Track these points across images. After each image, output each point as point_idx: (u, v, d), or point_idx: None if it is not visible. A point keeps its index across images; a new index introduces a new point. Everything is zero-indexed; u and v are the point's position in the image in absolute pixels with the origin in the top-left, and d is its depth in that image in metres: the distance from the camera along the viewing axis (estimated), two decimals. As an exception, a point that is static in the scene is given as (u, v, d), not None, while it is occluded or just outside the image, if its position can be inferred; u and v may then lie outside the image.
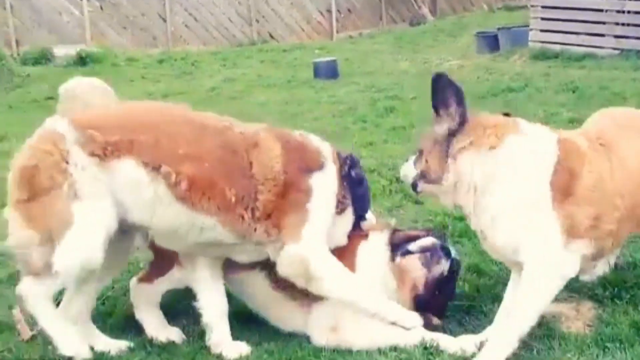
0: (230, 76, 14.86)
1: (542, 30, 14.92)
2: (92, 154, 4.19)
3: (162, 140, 4.25)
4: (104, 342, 4.56)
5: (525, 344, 4.40)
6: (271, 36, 22.37)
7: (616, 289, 4.97)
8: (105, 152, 4.19)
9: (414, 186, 4.42)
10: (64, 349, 4.25)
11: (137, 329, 4.80)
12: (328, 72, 14.26)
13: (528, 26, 15.29)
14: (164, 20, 20.77)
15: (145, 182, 4.21)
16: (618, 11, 13.66)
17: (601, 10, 13.93)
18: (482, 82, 12.66)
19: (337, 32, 23.22)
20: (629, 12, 13.50)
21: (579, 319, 4.77)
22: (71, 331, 4.34)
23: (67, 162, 4.17)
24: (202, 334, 4.67)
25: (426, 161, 4.30)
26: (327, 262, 4.40)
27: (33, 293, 4.25)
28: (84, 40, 19.06)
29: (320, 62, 14.82)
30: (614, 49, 13.64)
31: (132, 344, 4.61)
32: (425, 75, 13.83)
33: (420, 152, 4.37)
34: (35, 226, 4.17)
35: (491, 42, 15.88)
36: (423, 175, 4.33)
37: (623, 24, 13.68)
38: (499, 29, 16.14)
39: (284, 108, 11.75)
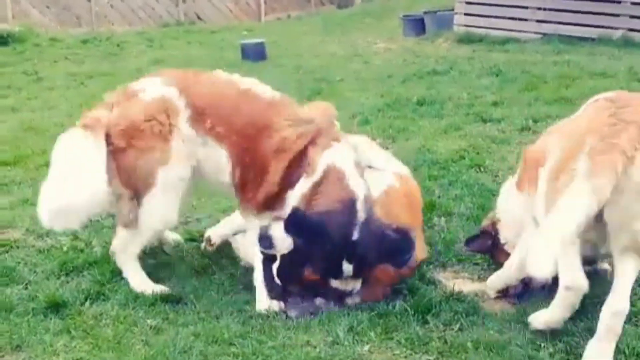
0: (156, 57, 14.65)
1: (466, 14, 15.11)
2: (197, 134, 4.89)
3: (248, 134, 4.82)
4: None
5: (448, 321, 4.51)
6: (198, 17, 22.13)
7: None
8: (208, 134, 4.87)
9: None
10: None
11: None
12: (256, 54, 14.16)
13: (453, 10, 15.46)
14: (88, 0, 20.33)
15: (224, 167, 4.90)
16: (540, -4, 13.97)
17: (524, -5, 14.21)
18: (409, 64, 12.77)
19: (265, 14, 23.11)
20: (551, -3, 13.82)
21: (500, 297, 4.90)
22: (150, 284, 5.03)
23: (171, 135, 4.84)
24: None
25: None
26: None
27: (121, 249, 5.08)
28: (6, 19, 18.51)
29: (248, 43, 14.72)
30: (536, 33, 13.92)
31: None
32: (353, 58, 14.05)
33: None
34: (126, 182, 4.87)
35: (417, 25, 16.00)
36: None
37: (545, 9, 13.98)
38: (425, 12, 16.26)
39: (211, 90, 11.57)
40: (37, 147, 8.21)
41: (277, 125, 4.78)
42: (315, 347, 4.25)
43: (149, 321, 4.63)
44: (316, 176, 4.60)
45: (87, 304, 4.86)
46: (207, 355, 4.21)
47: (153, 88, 4.99)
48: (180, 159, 4.89)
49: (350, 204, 4.52)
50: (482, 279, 5.10)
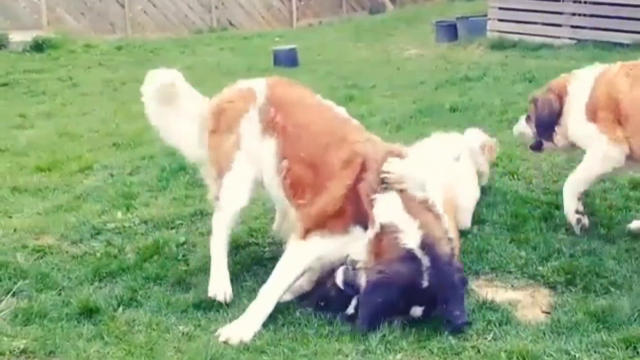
0: (189, 63, 14.69)
1: (499, 20, 15.02)
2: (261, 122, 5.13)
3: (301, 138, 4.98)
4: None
5: (482, 330, 4.47)
6: (230, 23, 22.22)
7: (571, 276, 5.06)
8: (268, 127, 5.08)
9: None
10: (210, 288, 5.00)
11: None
12: (288, 60, 14.20)
13: (486, 16, 15.38)
14: (122, 7, 20.49)
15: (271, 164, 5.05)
16: (575, 1, 13.81)
17: (558, 0, 14.07)
18: (441, 71, 12.72)
19: (297, 19, 23.15)
20: (585, 2, 13.66)
21: (534, 305, 4.86)
22: (225, 273, 5.08)
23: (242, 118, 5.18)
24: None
25: None
26: None
27: (215, 223, 5.24)
28: (41, 26, 18.73)
29: (280, 50, 14.76)
30: (571, 39, 13.79)
31: None
32: (385, 64, 14.02)
33: None
34: (213, 161, 5.27)
35: (450, 31, 15.94)
36: None
37: (580, 15, 13.83)
38: (457, 18, 16.20)
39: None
40: (72, 153, 8.30)
41: (351, 138, 4.87)
42: (347, 356, 4.23)
43: (181, 327, 4.65)
44: (376, 229, 4.56)
45: (120, 310, 4.89)
46: (238, 362, 4.21)
47: (249, 82, 5.42)
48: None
49: (409, 258, 4.45)
50: (515, 287, 5.06)
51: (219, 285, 4.97)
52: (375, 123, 8.58)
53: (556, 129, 5.91)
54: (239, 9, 22.42)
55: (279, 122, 5.05)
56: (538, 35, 14.22)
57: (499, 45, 14.32)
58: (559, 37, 13.94)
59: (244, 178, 5.15)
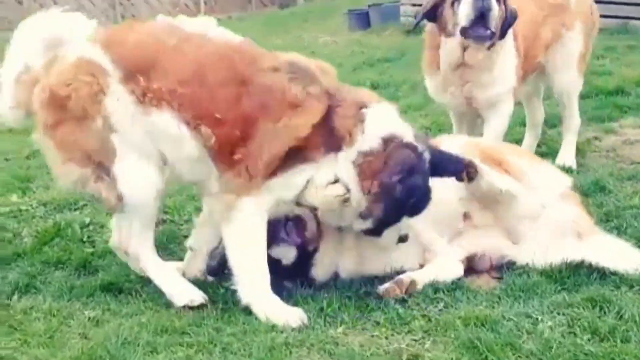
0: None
1: (413, 5, 14.71)
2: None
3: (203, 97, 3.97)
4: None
5: (430, 299, 4.00)
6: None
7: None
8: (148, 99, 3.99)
9: None
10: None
11: None
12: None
13: (399, 2, 15.07)
14: (20, 4, 19.46)
15: (184, 138, 4.00)
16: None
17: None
18: (357, 54, 12.34)
19: (205, 15, 22.46)
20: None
21: (484, 274, 4.40)
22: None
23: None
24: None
25: None
26: None
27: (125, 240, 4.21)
28: None
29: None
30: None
31: None
32: (300, 50, 13.46)
33: None
34: (78, 161, 4.03)
35: (362, 19, 15.58)
36: None
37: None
38: (369, 6, 15.86)
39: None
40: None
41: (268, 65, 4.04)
42: (281, 332, 3.68)
43: (86, 313, 4.03)
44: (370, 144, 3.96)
45: (15, 297, 4.23)
46: (155, 346, 3.59)
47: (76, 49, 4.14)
48: None
49: (419, 155, 4.00)
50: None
51: (185, 291, 4.15)
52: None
53: None
54: (144, 5, 21.63)
55: (159, 89, 3.99)
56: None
57: (415, 31, 13.95)
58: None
59: (141, 159, 4.04)
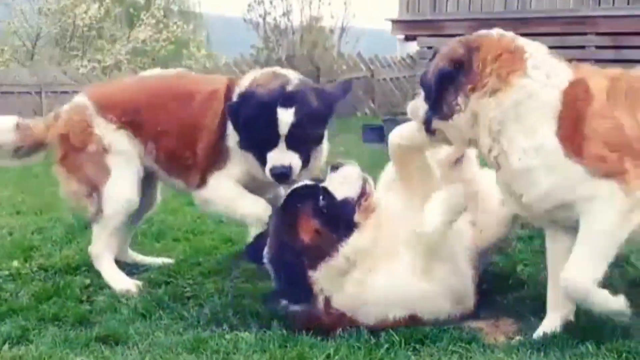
0: None
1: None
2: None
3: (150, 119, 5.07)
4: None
5: (445, 350, 3.77)
6: None
7: (536, 304, 4.40)
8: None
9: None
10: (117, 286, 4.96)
11: None
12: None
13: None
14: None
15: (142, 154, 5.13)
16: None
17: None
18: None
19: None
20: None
21: (500, 333, 4.18)
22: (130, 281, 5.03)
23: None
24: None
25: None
26: None
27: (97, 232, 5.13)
28: None
29: None
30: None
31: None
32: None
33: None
34: (79, 180, 5.07)
35: (378, 133, 15.64)
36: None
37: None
38: (384, 120, 15.94)
39: None
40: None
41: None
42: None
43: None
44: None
45: (6, 347, 4.02)
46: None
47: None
48: None
49: None
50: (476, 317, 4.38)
51: (123, 281, 5.00)
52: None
53: None
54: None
55: (136, 120, 5.09)
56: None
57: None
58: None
59: (124, 175, 5.06)
